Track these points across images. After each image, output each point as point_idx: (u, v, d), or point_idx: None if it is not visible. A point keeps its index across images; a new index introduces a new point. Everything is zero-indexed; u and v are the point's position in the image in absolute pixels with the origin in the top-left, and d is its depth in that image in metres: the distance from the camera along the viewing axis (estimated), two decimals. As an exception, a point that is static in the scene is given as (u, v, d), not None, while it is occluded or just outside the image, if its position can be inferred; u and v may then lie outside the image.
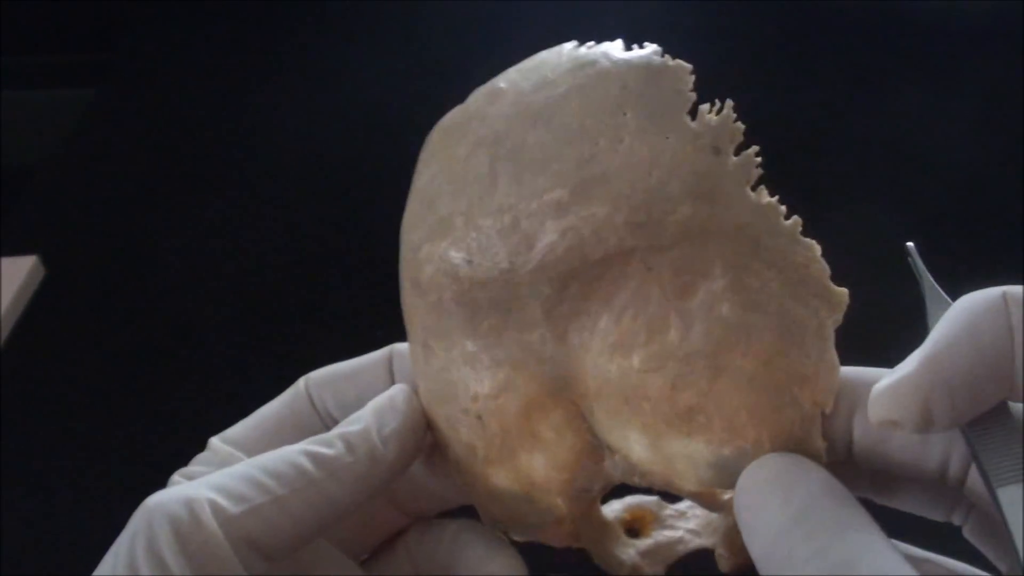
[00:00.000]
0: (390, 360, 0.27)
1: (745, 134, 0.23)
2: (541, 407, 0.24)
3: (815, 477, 0.21)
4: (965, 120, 0.68)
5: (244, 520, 0.21)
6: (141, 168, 0.72)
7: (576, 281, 0.23)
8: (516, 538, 0.26)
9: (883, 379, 0.21)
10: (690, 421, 0.22)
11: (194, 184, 0.70)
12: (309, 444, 0.24)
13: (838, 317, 0.22)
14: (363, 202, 0.66)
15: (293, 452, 0.23)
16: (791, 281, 0.22)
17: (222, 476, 0.22)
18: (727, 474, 0.23)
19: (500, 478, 0.25)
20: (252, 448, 0.25)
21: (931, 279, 0.23)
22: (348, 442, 0.24)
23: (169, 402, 0.52)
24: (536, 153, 0.23)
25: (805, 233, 0.23)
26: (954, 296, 0.22)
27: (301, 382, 0.27)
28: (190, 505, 0.21)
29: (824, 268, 0.22)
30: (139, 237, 0.65)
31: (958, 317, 0.20)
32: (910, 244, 0.24)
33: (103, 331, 0.58)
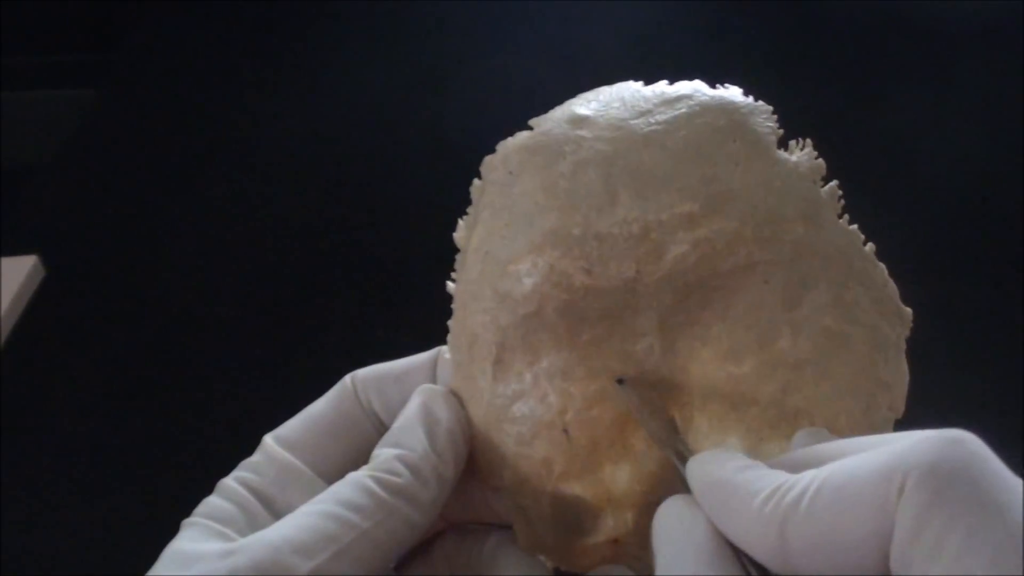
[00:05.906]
0: (435, 363, 0.27)
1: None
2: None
3: (700, 526, 0.20)
4: (965, 121, 0.68)
5: (332, 564, 0.21)
6: (141, 168, 0.72)
7: (698, 291, 0.24)
8: (551, 564, 0.27)
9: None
10: (794, 423, 0.24)
11: (194, 183, 0.70)
12: (375, 472, 0.23)
13: (907, 332, 0.25)
14: (362, 202, 0.66)
15: (363, 481, 0.23)
16: (877, 299, 0.24)
17: (303, 519, 0.22)
18: None
19: (573, 494, 0.26)
20: (307, 450, 0.25)
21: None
22: (413, 467, 0.24)
23: (169, 402, 0.52)
24: (656, 171, 0.24)
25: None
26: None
27: (348, 379, 0.27)
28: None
29: (895, 288, 0.25)
30: (139, 237, 0.65)
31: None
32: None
33: (103, 331, 0.58)
